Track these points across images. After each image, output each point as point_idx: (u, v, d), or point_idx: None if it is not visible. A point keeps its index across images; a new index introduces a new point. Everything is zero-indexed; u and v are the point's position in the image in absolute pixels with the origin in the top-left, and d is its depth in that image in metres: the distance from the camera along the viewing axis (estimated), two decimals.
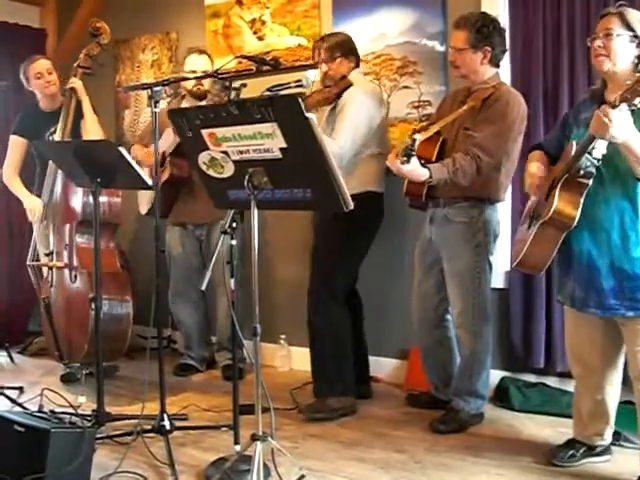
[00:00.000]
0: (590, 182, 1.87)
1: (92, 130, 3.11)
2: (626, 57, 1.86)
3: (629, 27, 1.84)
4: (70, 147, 2.50)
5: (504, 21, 2.68)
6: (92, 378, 2.79)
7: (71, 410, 2.26)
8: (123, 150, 2.32)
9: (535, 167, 2.09)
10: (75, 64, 3.11)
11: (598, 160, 1.85)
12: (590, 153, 1.83)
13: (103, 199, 3.02)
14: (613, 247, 1.91)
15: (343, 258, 2.65)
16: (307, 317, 2.68)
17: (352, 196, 1.73)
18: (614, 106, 1.69)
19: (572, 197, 1.89)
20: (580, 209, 1.88)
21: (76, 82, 3.08)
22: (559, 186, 1.91)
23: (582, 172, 1.86)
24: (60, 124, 3.07)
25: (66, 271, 3.06)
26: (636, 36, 1.85)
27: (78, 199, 3.04)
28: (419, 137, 2.19)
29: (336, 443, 2.38)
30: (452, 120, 2.39)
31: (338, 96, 2.61)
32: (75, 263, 3.02)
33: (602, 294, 1.93)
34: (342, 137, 2.50)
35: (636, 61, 1.85)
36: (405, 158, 2.16)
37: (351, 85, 2.60)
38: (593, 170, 1.86)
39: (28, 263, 3.21)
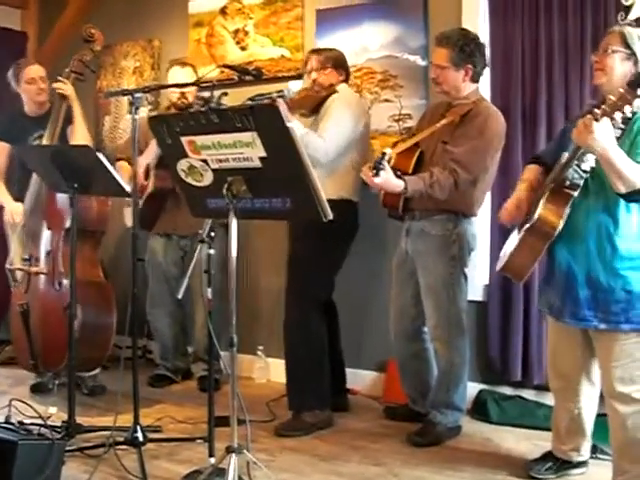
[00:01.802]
0: (575, 194, 1.89)
1: (81, 136, 3.06)
2: (621, 73, 1.90)
3: (627, 45, 1.89)
4: (48, 152, 2.46)
5: (484, 36, 2.72)
6: (64, 388, 2.72)
7: (40, 421, 2.19)
8: (101, 156, 2.29)
9: (511, 204, 2.09)
10: (67, 69, 3.07)
11: (586, 172, 1.87)
12: (579, 165, 1.86)
13: (93, 207, 2.97)
14: (590, 258, 1.93)
15: (319, 269, 2.63)
16: (283, 329, 2.64)
17: (326, 201, 1.71)
18: (596, 119, 1.73)
19: (557, 206, 1.91)
20: (564, 219, 1.90)
21: (69, 87, 3.04)
22: (546, 194, 1.93)
23: (568, 183, 1.88)
24: (49, 129, 3.01)
25: (43, 277, 2.98)
26: (633, 53, 1.89)
27: (66, 205, 2.98)
28: (389, 151, 2.22)
29: (313, 456, 2.35)
30: (430, 133, 2.41)
31: (323, 101, 2.63)
32: (61, 269, 2.95)
33: (577, 304, 1.95)
34: (326, 132, 2.51)
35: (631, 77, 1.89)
36: (375, 171, 2.18)
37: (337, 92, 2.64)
38: (580, 182, 1.88)
39: (7, 267, 3.13)
